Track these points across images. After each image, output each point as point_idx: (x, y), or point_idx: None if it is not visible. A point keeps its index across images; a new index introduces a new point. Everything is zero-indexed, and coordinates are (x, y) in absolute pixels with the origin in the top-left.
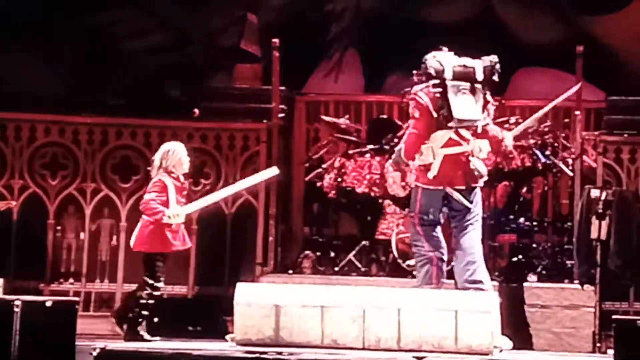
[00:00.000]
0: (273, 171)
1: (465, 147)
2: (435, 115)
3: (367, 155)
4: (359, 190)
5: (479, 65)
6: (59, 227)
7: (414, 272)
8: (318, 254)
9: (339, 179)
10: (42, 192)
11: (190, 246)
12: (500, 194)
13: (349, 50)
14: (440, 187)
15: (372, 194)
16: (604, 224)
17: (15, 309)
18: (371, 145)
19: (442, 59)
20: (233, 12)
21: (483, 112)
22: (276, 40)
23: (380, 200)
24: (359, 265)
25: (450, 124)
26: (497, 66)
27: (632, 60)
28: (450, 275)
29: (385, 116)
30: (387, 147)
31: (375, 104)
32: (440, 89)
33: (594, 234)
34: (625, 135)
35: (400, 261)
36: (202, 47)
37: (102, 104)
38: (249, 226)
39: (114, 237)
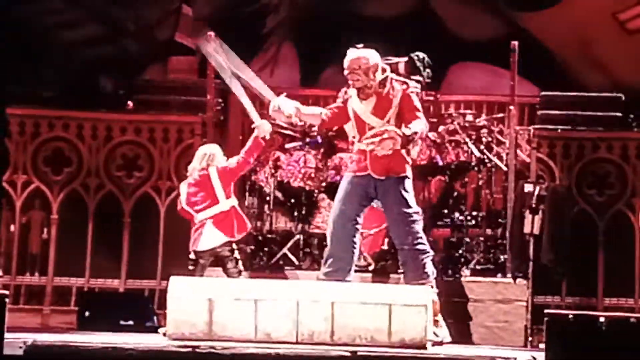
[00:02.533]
0: None
1: None
2: None
3: (303, 149)
4: (294, 184)
5: None
6: None
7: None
8: (252, 247)
9: (274, 173)
10: None
11: None
12: (435, 188)
13: (285, 44)
14: None
15: (307, 187)
16: (537, 218)
17: None
18: (307, 139)
19: None
20: (168, 4)
21: None
22: (212, 33)
23: (315, 194)
24: (293, 259)
25: None
26: None
27: (565, 56)
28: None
29: None
30: (322, 141)
31: (311, 98)
32: None
33: (527, 229)
34: (559, 130)
35: None
36: (136, 39)
37: (34, 96)
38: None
39: (45, 230)
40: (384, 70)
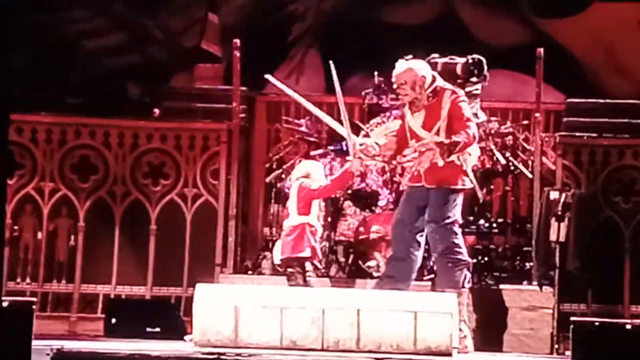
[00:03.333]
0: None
1: None
2: None
3: (328, 156)
4: None
5: None
6: (15, 227)
7: (375, 274)
8: None
9: None
10: None
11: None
12: None
13: (311, 51)
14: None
15: (333, 194)
16: (563, 226)
17: None
18: (332, 147)
19: None
20: (194, 12)
21: None
22: (237, 41)
23: (340, 201)
24: (319, 266)
25: None
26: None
27: (591, 63)
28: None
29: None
30: (346, 148)
31: (336, 105)
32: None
33: (552, 236)
34: (585, 137)
35: (360, 262)
36: (162, 47)
37: (61, 103)
38: (209, 227)
39: (72, 237)
40: (433, 80)
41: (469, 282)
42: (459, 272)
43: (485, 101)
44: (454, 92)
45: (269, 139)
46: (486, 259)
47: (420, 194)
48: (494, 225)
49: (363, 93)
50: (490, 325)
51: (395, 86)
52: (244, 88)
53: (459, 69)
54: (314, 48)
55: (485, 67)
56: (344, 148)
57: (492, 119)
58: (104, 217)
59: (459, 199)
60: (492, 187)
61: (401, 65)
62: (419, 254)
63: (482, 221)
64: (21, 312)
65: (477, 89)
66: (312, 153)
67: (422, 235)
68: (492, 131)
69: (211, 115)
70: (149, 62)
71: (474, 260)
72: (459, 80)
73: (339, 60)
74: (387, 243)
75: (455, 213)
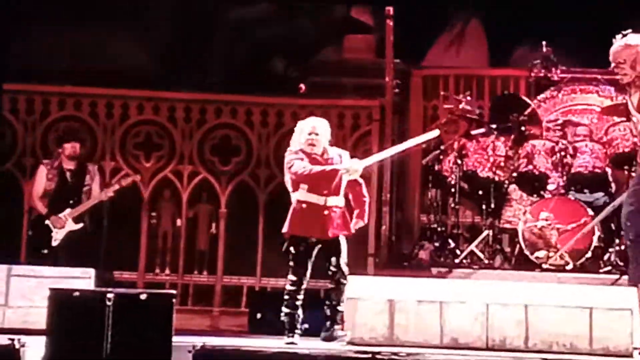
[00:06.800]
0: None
1: None
2: None
3: (491, 135)
4: (481, 174)
5: None
6: (153, 214)
7: (544, 265)
8: (436, 244)
9: (460, 162)
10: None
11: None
12: None
13: (473, 20)
14: None
15: (497, 178)
16: None
17: (108, 303)
18: (495, 125)
19: None
20: None
21: None
22: (390, 8)
23: (505, 185)
24: (481, 256)
25: None
26: None
27: None
28: None
29: (510, 92)
30: (512, 126)
31: (500, 79)
32: None
33: None
34: None
35: (527, 253)
36: (309, 16)
37: (200, 79)
38: None
39: (213, 225)
40: None
41: None
42: None
43: None
44: None
45: (426, 116)
46: None
47: None
48: None
49: (530, 65)
50: None
51: (612, 65)
52: (397, 61)
53: None
54: (476, 16)
55: None
56: (509, 126)
57: None
58: (247, 203)
59: None
60: None
61: (618, 42)
62: None
63: None
64: (161, 306)
65: None
66: (473, 132)
67: None
68: None
69: (362, 91)
70: (295, 34)
71: None
72: None
73: (504, 29)
74: (558, 231)
75: None
